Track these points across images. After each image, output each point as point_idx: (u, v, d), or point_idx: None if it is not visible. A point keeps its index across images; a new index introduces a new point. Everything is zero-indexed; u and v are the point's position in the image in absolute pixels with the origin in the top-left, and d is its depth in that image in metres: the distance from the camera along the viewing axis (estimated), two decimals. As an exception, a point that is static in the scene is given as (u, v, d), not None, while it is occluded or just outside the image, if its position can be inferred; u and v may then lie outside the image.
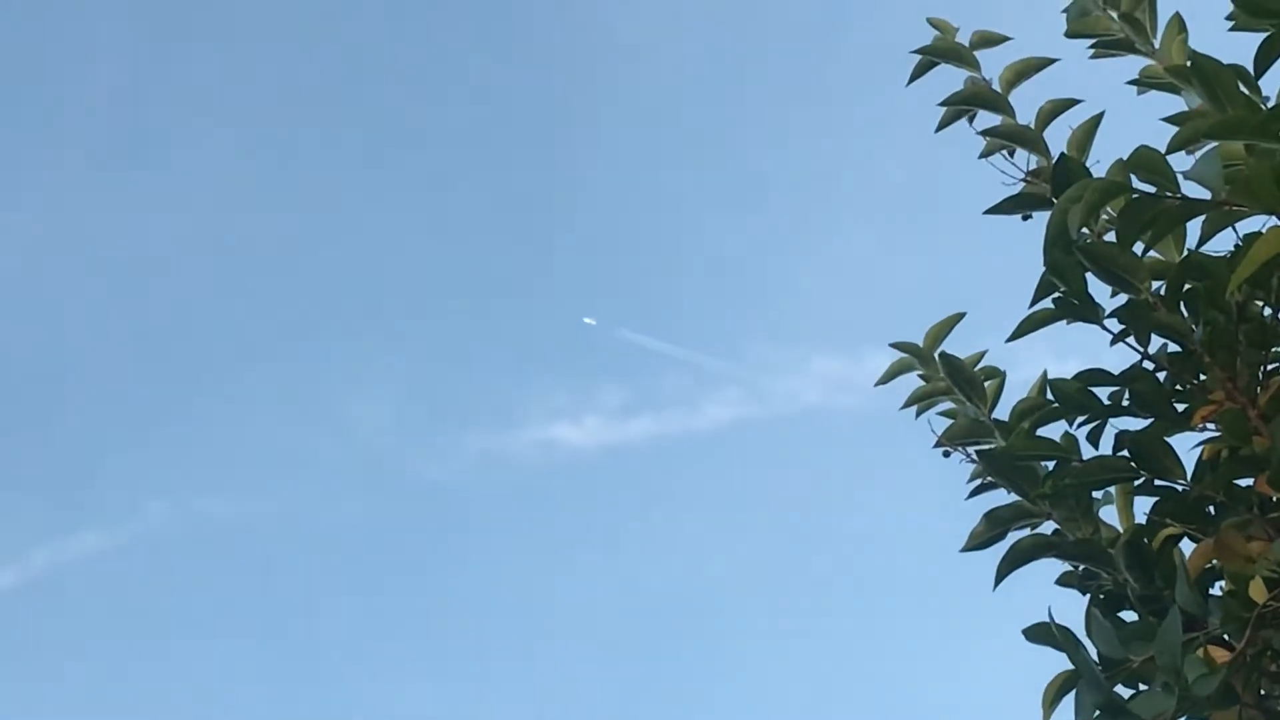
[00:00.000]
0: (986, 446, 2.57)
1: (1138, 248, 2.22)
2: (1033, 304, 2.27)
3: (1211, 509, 2.27)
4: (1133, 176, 2.06)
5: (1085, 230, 2.28)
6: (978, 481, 2.55)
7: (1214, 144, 1.99)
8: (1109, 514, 2.46)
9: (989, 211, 2.50)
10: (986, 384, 2.64)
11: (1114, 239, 2.21)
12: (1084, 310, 2.25)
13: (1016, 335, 2.32)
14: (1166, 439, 2.29)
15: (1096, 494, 2.43)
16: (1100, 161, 2.37)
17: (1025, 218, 2.48)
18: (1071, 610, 2.25)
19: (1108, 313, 2.28)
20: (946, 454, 2.59)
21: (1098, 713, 2.00)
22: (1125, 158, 2.10)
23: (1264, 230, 2.04)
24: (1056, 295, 2.24)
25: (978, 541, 2.43)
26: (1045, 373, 2.48)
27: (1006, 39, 2.72)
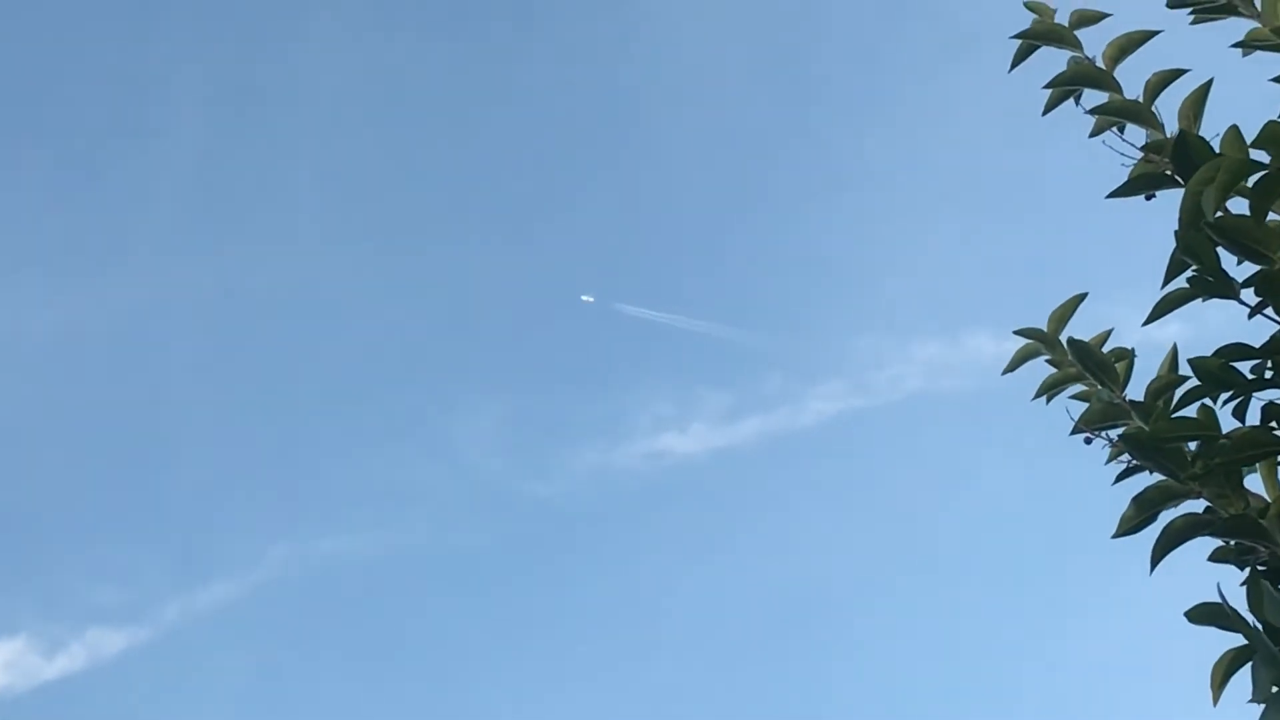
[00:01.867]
0: (1126, 428, 2.53)
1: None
2: (1165, 284, 2.25)
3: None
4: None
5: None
6: (1121, 465, 2.52)
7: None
8: (1253, 483, 2.43)
9: (1112, 195, 2.46)
10: (1117, 365, 2.60)
11: (1243, 209, 2.18)
12: (1220, 286, 2.23)
13: (1154, 317, 2.30)
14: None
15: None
16: (1217, 134, 2.34)
17: (1148, 198, 2.44)
18: (1227, 585, 2.22)
19: (1240, 283, 2.25)
20: (1088, 440, 2.56)
21: (1276, 689, 1.97)
22: (1246, 131, 2.07)
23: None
24: (1190, 274, 2.22)
25: (1130, 526, 2.40)
26: (1175, 347, 2.46)
27: (1106, 15, 2.70)
